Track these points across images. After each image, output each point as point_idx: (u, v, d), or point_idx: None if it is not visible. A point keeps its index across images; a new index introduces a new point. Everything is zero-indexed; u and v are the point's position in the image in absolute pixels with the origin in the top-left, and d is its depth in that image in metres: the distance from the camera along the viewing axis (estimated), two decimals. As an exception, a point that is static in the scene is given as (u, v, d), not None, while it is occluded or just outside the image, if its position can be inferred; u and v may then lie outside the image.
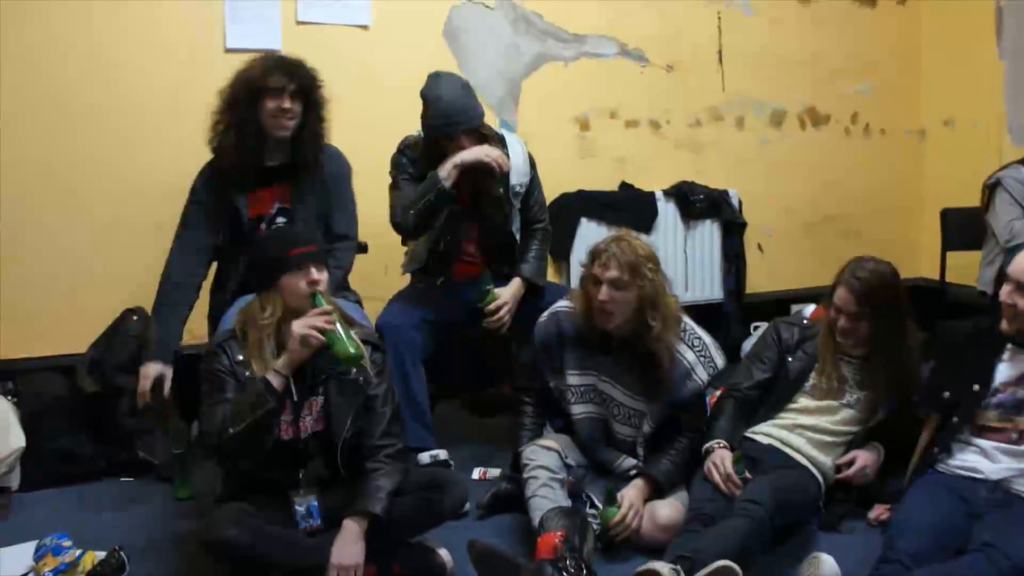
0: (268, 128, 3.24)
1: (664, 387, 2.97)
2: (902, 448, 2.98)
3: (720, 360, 3.04)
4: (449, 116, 3.36)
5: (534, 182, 3.64)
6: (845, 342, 3.02)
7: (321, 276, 2.58)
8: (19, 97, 3.77)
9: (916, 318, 3.10)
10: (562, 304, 3.15)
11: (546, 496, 2.81)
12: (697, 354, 3.00)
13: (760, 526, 2.61)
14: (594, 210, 4.54)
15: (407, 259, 3.70)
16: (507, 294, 3.48)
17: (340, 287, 3.31)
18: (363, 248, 3.59)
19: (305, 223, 3.30)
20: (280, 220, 3.34)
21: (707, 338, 3.05)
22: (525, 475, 2.91)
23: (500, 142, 3.52)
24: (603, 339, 3.02)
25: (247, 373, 2.55)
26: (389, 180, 3.53)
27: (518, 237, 3.63)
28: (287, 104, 3.22)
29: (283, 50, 3.82)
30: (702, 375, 2.99)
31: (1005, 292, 2.69)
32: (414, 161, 3.48)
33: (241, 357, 2.57)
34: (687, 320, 3.05)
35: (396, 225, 3.49)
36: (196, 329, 3.85)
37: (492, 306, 3.42)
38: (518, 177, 3.55)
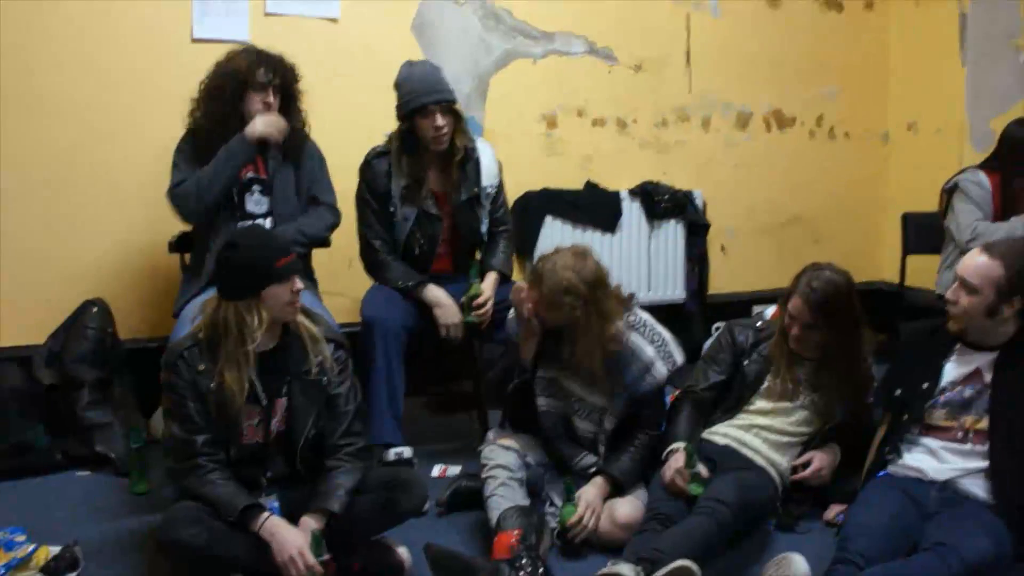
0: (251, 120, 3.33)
1: (612, 381, 3.00)
2: (858, 450, 3.03)
3: (679, 357, 3.06)
4: (425, 87, 3.42)
5: (501, 185, 3.71)
6: (799, 349, 3.06)
7: (300, 285, 2.59)
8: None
9: (875, 321, 3.14)
10: None
11: (504, 495, 2.83)
12: (657, 348, 3.02)
13: (723, 526, 2.66)
14: (559, 208, 4.56)
15: None
16: (489, 289, 3.54)
17: (306, 275, 3.33)
18: (326, 241, 3.59)
19: (284, 198, 3.42)
20: (255, 188, 3.42)
21: (667, 335, 3.07)
22: (484, 474, 2.93)
23: (472, 141, 3.60)
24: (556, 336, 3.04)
25: (211, 384, 2.53)
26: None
27: (484, 237, 3.69)
28: (271, 99, 3.34)
29: (250, 41, 3.83)
30: (661, 370, 3.01)
31: (951, 289, 2.75)
32: (381, 173, 3.51)
33: (203, 367, 2.54)
34: (647, 317, 3.08)
35: (367, 248, 3.59)
36: (157, 323, 3.85)
37: (480, 300, 3.48)
38: (489, 179, 3.62)
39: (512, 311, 3.20)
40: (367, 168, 3.57)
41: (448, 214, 3.59)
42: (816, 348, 3.05)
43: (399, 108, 3.48)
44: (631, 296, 3.07)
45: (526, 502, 2.86)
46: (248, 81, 3.29)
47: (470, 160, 3.58)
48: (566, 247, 2.98)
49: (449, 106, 3.46)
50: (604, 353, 2.92)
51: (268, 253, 2.56)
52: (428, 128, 3.43)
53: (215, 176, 3.30)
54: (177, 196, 3.37)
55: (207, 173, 3.31)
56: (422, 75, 3.47)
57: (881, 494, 2.71)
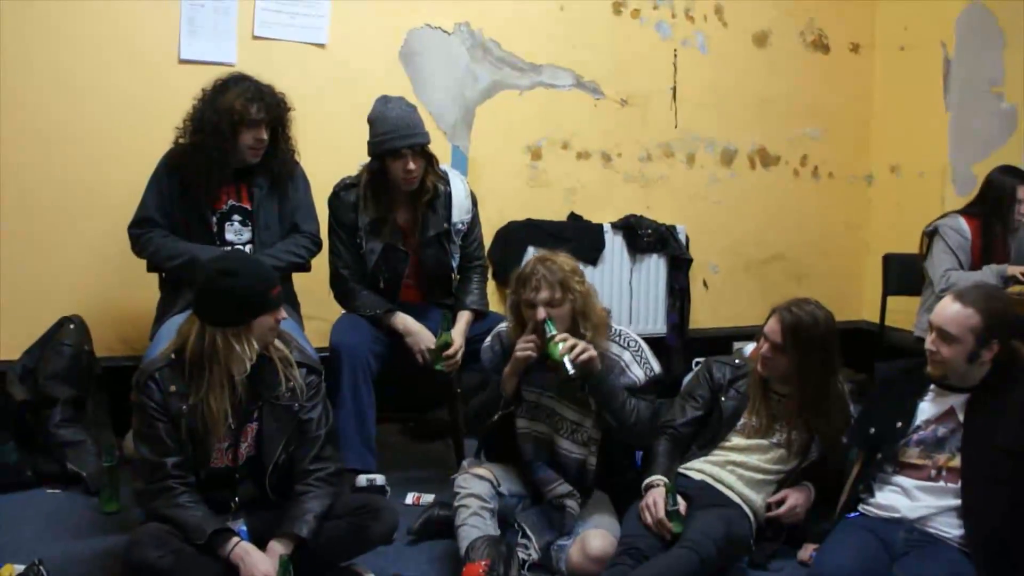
0: (243, 156, 3.36)
1: None
2: (833, 488, 3.03)
3: (656, 365, 3.07)
4: (398, 130, 3.41)
5: (475, 220, 3.71)
6: (765, 372, 3.06)
7: (284, 314, 2.60)
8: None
9: (854, 361, 3.16)
10: (503, 326, 3.18)
11: (475, 525, 2.82)
12: (633, 354, 3.04)
13: (707, 562, 2.66)
14: (542, 239, 4.57)
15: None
16: (459, 338, 3.52)
17: (286, 299, 3.32)
18: (307, 265, 3.59)
19: (267, 227, 3.44)
20: (235, 218, 3.43)
21: (643, 343, 3.09)
22: (456, 503, 2.92)
23: (443, 179, 3.59)
24: (543, 357, 3.02)
25: (183, 406, 2.52)
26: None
27: (455, 270, 3.69)
28: (263, 135, 3.36)
29: (238, 64, 3.86)
30: (637, 373, 3.02)
31: (929, 340, 2.78)
32: (348, 206, 3.53)
33: (174, 388, 2.53)
34: (621, 328, 3.11)
35: (336, 277, 3.61)
36: (134, 341, 3.84)
37: (450, 351, 3.46)
38: (460, 215, 3.62)
39: (488, 340, 3.21)
40: (335, 199, 3.59)
41: (414, 249, 3.60)
42: (786, 380, 3.05)
43: (370, 147, 3.48)
44: (607, 309, 3.12)
45: (496, 532, 2.85)
46: (242, 119, 3.30)
47: (440, 196, 3.57)
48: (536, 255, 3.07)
49: (422, 148, 3.47)
50: (604, 339, 2.97)
51: (264, 283, 2.56)
52: (399, 170, 3.44)
53: (173, 260, 3.32)
54: (135, 240, 3.41)
55: (170, 250, 3.33)
56: (397, 116, 3.44)
57: (851, 535, 2.72)
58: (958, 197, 4.71)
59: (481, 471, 3.02)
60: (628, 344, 3.06)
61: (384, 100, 3.51)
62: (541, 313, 2.91)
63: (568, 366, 2.82)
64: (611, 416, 2.94)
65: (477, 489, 2.93)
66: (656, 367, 3.07)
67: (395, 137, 3.40)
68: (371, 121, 3.48)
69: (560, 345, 2.85)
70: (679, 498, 2.87)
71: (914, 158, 5.20)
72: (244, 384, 2.55)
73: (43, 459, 3.57)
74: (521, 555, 2.90)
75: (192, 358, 2.52)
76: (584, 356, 2.86)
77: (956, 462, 2.72)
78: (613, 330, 3.07)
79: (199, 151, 3.32)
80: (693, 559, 2.63)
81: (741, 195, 5.18)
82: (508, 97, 4.62)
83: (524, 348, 2.95)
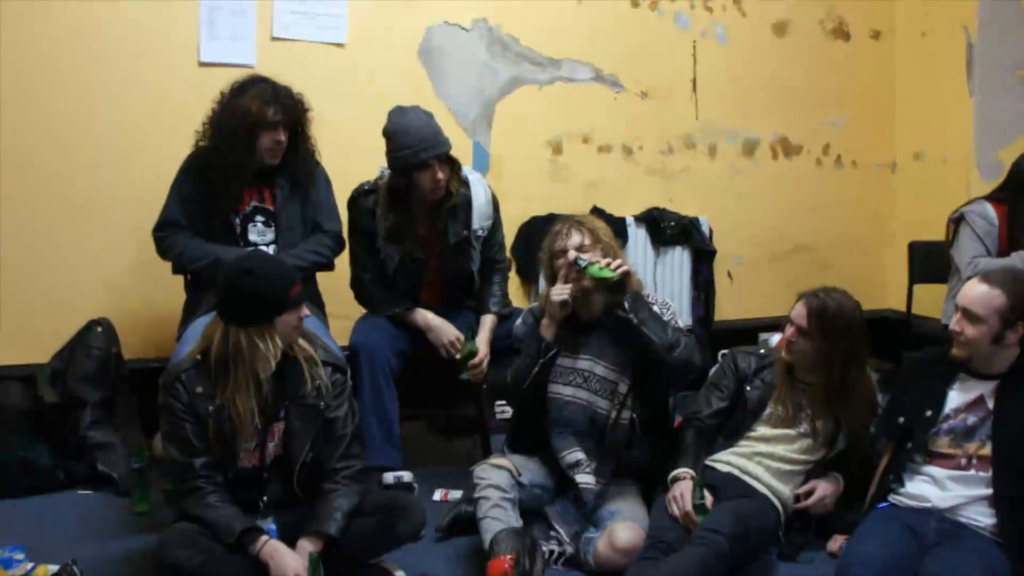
0: (262, 158, 3.37)
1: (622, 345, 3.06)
2: (862, 479, 3.01)
3: (680, 322, 3.13)
4: (423, 141, 3.38)
5: (496, 224, 3.70)
6: (789, 357, 3.05)
7: (307, 312, 2.63)
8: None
9: (881, 350, 3.14)
10: (535, 304, 3.22)
11: (497, 517, 2.82)
12: (663, 309, 3.09)
13: (720, 556, 2.63)
14: (565, 234, 4.56)
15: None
16: (484, 345, 3.53)
17: (312, 298, 3.35)
18: (330, 265, 3.60)
19: (290, 228, 3.45)
20: (258, 219, 3.44)
21: (669, 301, 3.18)
22: (475, 495, 2.91)
23: (465, 184, 3.57)
24: (574, 324, 3.09)
25: (210, 407, 2.54)
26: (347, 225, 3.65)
27: (476, 274, 3.69)
28: (281, 137, 3.35)
29: (257, 66, 3.87)
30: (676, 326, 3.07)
31: (954, 320, 2.76)
32: (366, 212, 3.54)
33: (201, 389, 2.55)
34: (652, 292, 3.22)
35: (356, 280, 3.64)
36: (161, 343, 3.87)
37: (475, 360, 3.46)
38: (480, 221, 3.60)
39: (520, 318, 3.26)
40: (353, 205, 3.60)
41: (435, 256, 3.59)
42: (809, 365, 3.03)
43: (394, 161, 3.43)
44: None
45: (519, 523, 2.85)
46: (259, 123, 3.31)
47: (461, 203, 3.55)
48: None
49: (447, 155, 3.45)
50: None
51: (283, 281, 2.58)
52: (427, 181, 3.41)
53: (197, 262, 3.36)
54: (159, 243, 3.45)
55: (194, 252, 3.37)
56: (419, 126, 3.40)
57: (881, 525, 2.69)
58: (983, 183, 4.65)
59: (500, 461, 3.02)
60: (666, 306, 3.12)
61: (400, 112, 3.46)
62: (571, 253, 2.96)
63: (609, 272, 2.89)
64: (654, 335, 2.94)
65: (496, 479, 2.92)
66: (681, 324, 3.14)
67: (420, 149, 3.36)
68: (390, 134, 3.43)
69: (596, 264, 2.93)
70: (706, 491, 2.86)
71: (938, 144, 5.14)
72: (270, 384, 2.57)
73: (74, 461, 3.61)
74: (549, 548, 2.91)
75: (218, 359, 2.53)
76: (623, 268, 2.92)
77: (987, 450, 2.69)
78: (648, 295, 3.12)
79: (218, 155, 3.34)
80: (706, 554, 2.62)
81: (763, 186, 5.14)
82: (527, 92, 4.60)
83: (559, 292, 2.99)
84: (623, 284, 2.93)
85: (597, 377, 3.07)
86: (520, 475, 3.00)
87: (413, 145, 3.37)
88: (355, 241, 3.60)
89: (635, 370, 3.03)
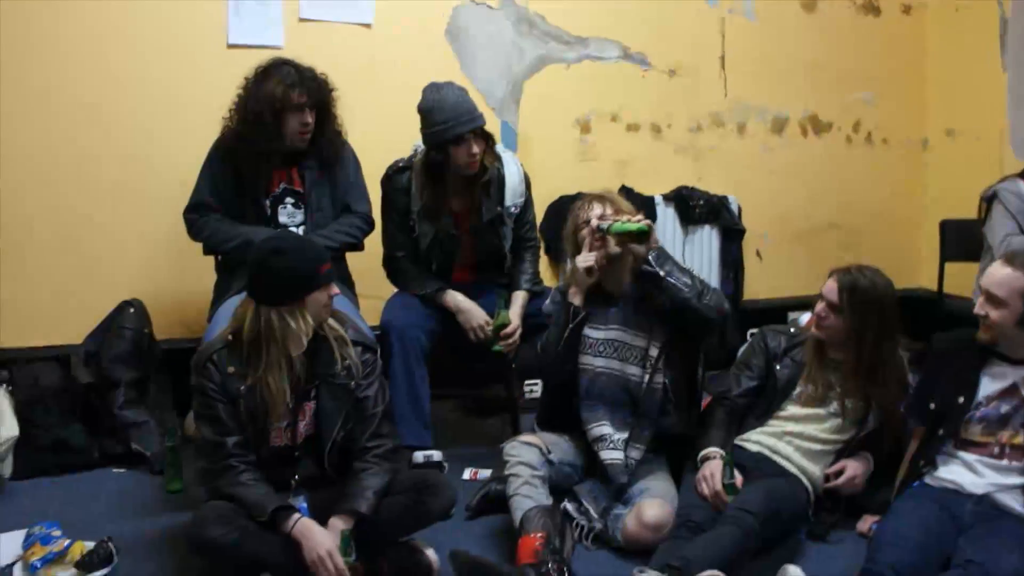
0: (290, 141, 3.38)
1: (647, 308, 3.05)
2: (892, 458, 3.00)
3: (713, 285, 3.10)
4: (459, 116, 3.39)
5: (528, 202, 3.71)
6: (820, 333, 3.02)
7: (336, 290, 2.63)
8: (21, 92, 3.80)
9: (912, 329, 3.10)
10: (563, 283, 3.21)
11: (528, 495, 2.82)
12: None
13: (749, 535, 2.63)
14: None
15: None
16: (517, 318, 3.55)
17: (342, 278, 3.36)
18: (359, 245, 3.61)
19: (320, 209, 3.46)
20: (288, 200, 3.46)
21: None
22: (506, 472, 2.92)
23: (499, 160, 3.58)
24: (602, 294, 3.09)
25: (241, 387, 2.55)
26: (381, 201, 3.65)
27: (508, 253, 3.69)
28: (308, 119, 3.36)
29: (285, 47, 3.88)
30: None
31: (979, 303, 2.73)
32: (401, 190, 3.55)
33: (232, 369, 2.56)
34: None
35: (389, 259, 3.65)
36: (193, 324, 3.90)
37: (508, 330, 3.48)
38: (513, 199, 3.62)
39: (549, 297, 3.26)
40: (387, 182, 3.61)
41: (468, 233, 3.61)
42: (840, 342, 3.01)
43: (430, 136, 3.45)
44: None
45: (548, 501, 2.85)
46: (285, 106, 3.31)
47: (494, 180, 3.57)
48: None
49: (481, 130, 3.46)
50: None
51: (312, 258, 2.58)
52: (463, 156, 3.42)
53: (228, 243, 3.38)
54: (190, 224, 3.47)
55: (225, 233, 3.38)
56: (454, 102, 3.42)
57: (915, 505, 2.66)
58: (1017, 160, 4.59)
59: (530, 438, 3.03)
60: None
61: (435, 88, 3.47)
62: (594, 221, 2.96)
63: (634, 224, 2.88)
64: (682, 284, 2.92)
65: (527, 457, 2.93)
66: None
67: (457, 124, 3.38)
68: (426, 111, 3.45)
69: (619, 221, 2.91)
70: (735, 471, 2.85)
71: (971, 121, 5.07)
72: (302, 362, 2.58)
73: (108, 440, 3.65)
74: (578, 524, 2.92)
75: (249, 338, 2.54)
76: (646, 220, 2.91)
77: (1020, 439, 2.66)
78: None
79: (247, 140, 3.34)
80: (736, 533, 2.61)
81: (793, 163, 5.10)
82: (555, 71, 4.58)
83: (585, 260, 2.99)
84: (647, 235, 2.91)
85: (627, 345, 3.07)
86: (550, 453, 3.00)
87: (449, 120, 3.38)
88: (388, 219, 3.61)
89: (665, 332, 3.03)
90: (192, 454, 3.47)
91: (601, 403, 3.08)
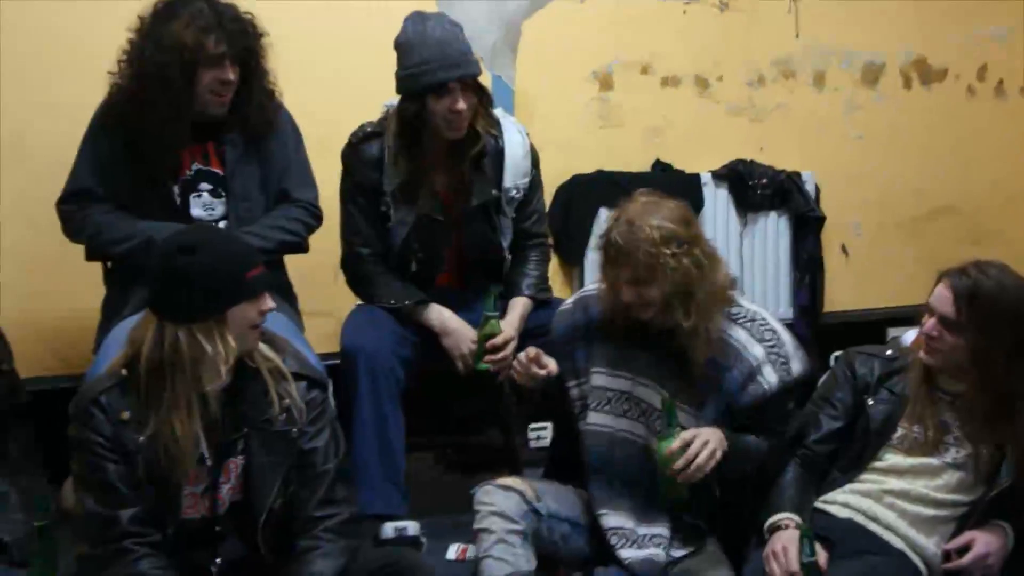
0: (204, 105, 3.39)
1: (705, 390, 3.00)
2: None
3: (798, 366, 3.03)
4: (444, 57, 3.42)
5: (534, 185, 3.74)
6: (930, 359, 3.04)
7: (272, 304, 2.62)
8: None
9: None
10: (591, 288, 3.19)
11: (500, 557, 2.81)
12: (768, 349, 3.00)
13: None
14: (618, 197, 4.48)
15: None
16: (510, 329, 3.55)
17: (279, 289, 3.38)
18: (303, 245, 3.65)
19: (246, 197, 3.49)
20: (203, 187, 3.49)
21: (784, 334, 3.06)
22: (475, 526, 2.91)
23: (495, 127, 3.62)
24: (640, 331, 3.02)
25: (139, 437, 2.53)
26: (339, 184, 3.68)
27: (507, 252, 3.73)
28: (229, 75, 3.36)
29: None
30: (771, 379, 2.98)
31: None
32: (370, 162, 3.57)
33: (127, 414, 2.54)
34: (755, 308, 3.08)
35: (351, 257, 3.67)
36: (71, 356, 3.91)
37: (497, 340, 3.48)
38: (515, 179, 3.65)
39: (570, 299, 3.25)
40: (351, 154, 3.62)
41: (457, 222, 3.64)
42: (958, 369, 3.02)
43: (404, 81, 3.49)
44: (733, 278, 3.10)
45: (530, 567, 2.84)
46: (196, 58, 3.31)
47: (490, 153, 3.60)
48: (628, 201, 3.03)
49: (473, 81, 3.50)
50: (710, 339, 2.93)
51: (236, 259, 2.58)
52: (443, 111, 3.45)
53: (121, 244, 3.40)
54: (67, 219, 3.50)
55: (116, 231, 3.40)
56: (440, 39, 3.45)
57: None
58: None
59: (510, 481, 3.00)
60: (764, 336, 3.02)
61: (419, 18, 3.51)
62: (628, 295, 2.89)
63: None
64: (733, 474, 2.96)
65: (502, 505, 2.90)
66: (798, 367, 3.03)
67: (439, 67, 3.41)
68: (403, 47, 3.48)
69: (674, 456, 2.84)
70: (816, 545, 2.88)
71: None
72: (221, 402, 2.59)
73: (-48, 522, 3.66)
74: None
75: (149, 369, 2.52)
76: (701, 463, 2.84)
77: None
78: (741, 310, 3.05)
79: (144, 103, 3.35)
80: None
81: (892, 127, 5.15)
82: (564, 8, 4.63)
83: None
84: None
85: (658, 412, 3.00)
86: (539, 500, 2.97)
87: (430, 60, 3.41)
88: (352, 203, 3.63)
89: (719, 410, 3.02)
90: (71, 535, 3.46)
91: (618, 479, 3.08)
